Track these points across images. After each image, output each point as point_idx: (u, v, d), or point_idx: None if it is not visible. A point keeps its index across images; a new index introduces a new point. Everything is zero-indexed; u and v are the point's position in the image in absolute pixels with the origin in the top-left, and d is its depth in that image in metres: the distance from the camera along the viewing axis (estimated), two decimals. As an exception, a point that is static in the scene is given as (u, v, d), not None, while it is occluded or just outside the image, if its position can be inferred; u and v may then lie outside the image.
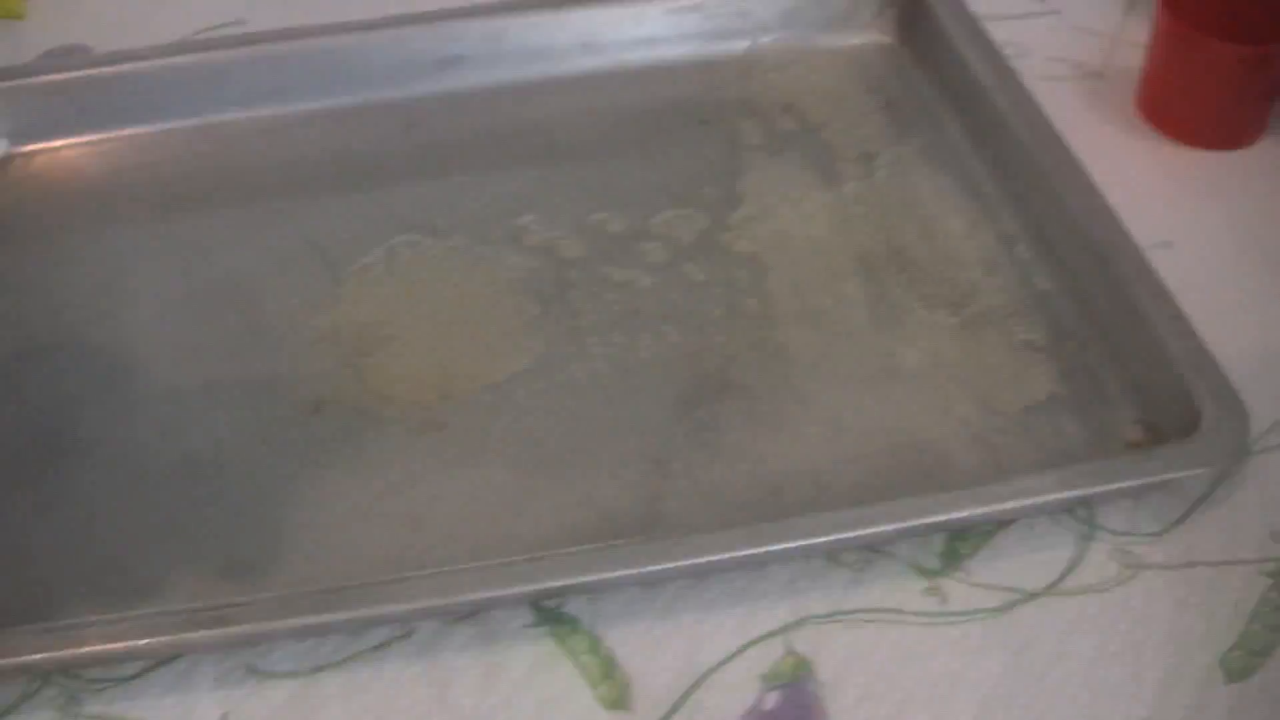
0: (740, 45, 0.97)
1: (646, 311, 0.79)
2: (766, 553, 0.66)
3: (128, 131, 0.92)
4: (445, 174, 0.89)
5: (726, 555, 0.66)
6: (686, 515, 0.70)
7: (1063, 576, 0.68)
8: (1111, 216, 0.79)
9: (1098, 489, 0.68)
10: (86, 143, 0.92)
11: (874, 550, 0.69)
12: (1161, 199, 0.86)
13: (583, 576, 0.66)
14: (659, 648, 0.66)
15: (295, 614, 0.65)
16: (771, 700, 0.64)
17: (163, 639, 0.64)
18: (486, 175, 0.89)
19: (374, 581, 0.66)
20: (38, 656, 0.63)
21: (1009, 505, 0.68)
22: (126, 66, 0.93)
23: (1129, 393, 0.75)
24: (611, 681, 0.65)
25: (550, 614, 0.67)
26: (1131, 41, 0.97)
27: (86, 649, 0.64)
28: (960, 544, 0.69)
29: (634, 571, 0.66)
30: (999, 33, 0.93)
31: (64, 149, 0.92)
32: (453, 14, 0.94)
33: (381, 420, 0.75)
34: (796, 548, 0.67)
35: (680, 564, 0.66)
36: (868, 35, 0.98)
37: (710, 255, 0.83)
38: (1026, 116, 0.86)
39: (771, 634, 0.66)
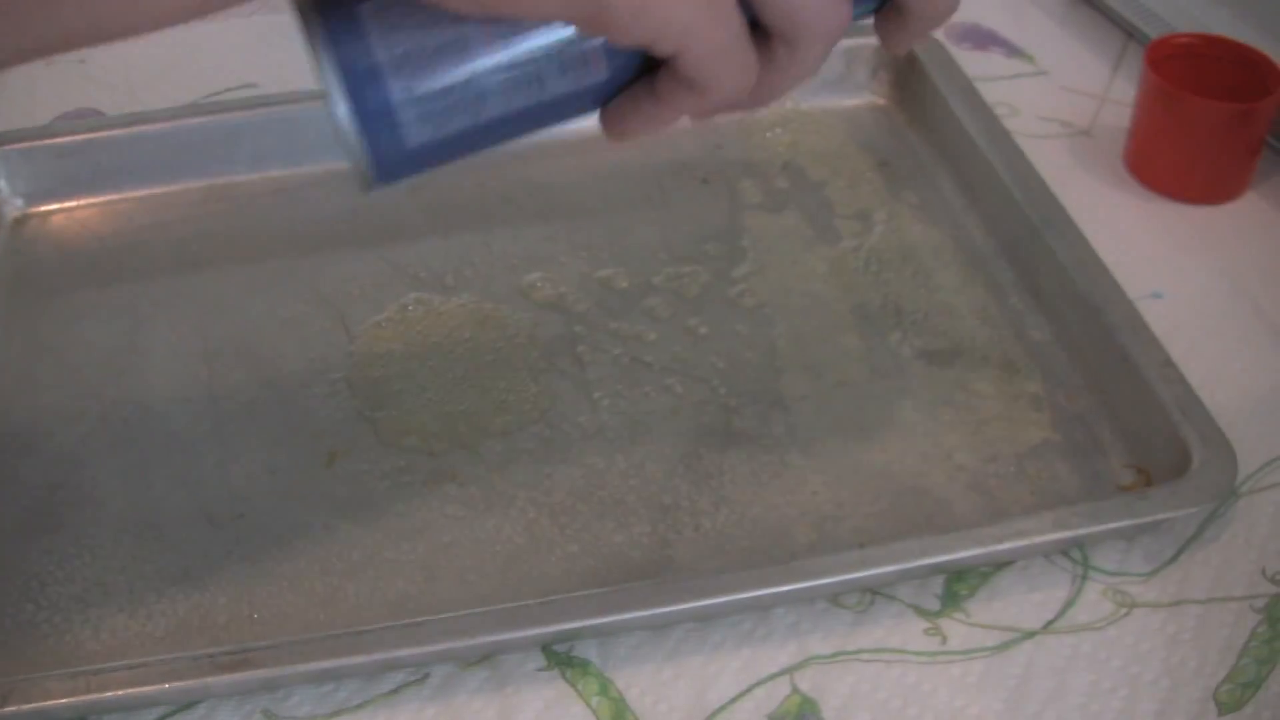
0: (738, 106, 0.98)
1: (652, 364, 0.81)
2: (772, 595, 0.68)
3: (141, 192, 0.95)
4: (452, 233, 0.91)
5: (733, 597, 0.67)
6: (693, 561, 0.72)
7: (1059, 615, 0.69)
8: (1101, 268, 0.81)
9: (1092, 529, 0.70)
10: (100, 203, 0.94)
11: (875, 592, 0.70)
12: (1150, 251, 0.88)
13: (593, 619, 0.67)
14: (668, 689, 0.67)
15: (313, 658, 0.66)
16: (780, 738, 0.65)
17: (184, 683, 0.65)
18: (492, 234, 0.90)
19: (389, 625, 0.67)
20: (61, 701, 0.64)
21: (1006, 546, 0.69)
22: (139, 128, 0.95)
23: (1121, 438, 0.77)
24: (623, 722, 0.66)
25: (561, 657, 0.68)
26: (1118, 100, 1.00)
27: (109, 694, 0.64)
28: (959, 585, 0.71)
29: (643, 614, 0.67)
30: (989, 93, 0.95)
31: (78, 209, 0.94)
32: (457, 77, 0.96)
33: (394, 471, 0.76)
34: (801, 589, 0.68)
35: (688, 606, 0.67)
36: (862, 97, 1.00)
37: (713, 309, 0.85)
38: (1018, 173, 0.88)
39: (777, 674, 0.67)
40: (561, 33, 0.52)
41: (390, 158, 0.53)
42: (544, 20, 0.52)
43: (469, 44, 0.52)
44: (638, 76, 0.55)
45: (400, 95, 0.51)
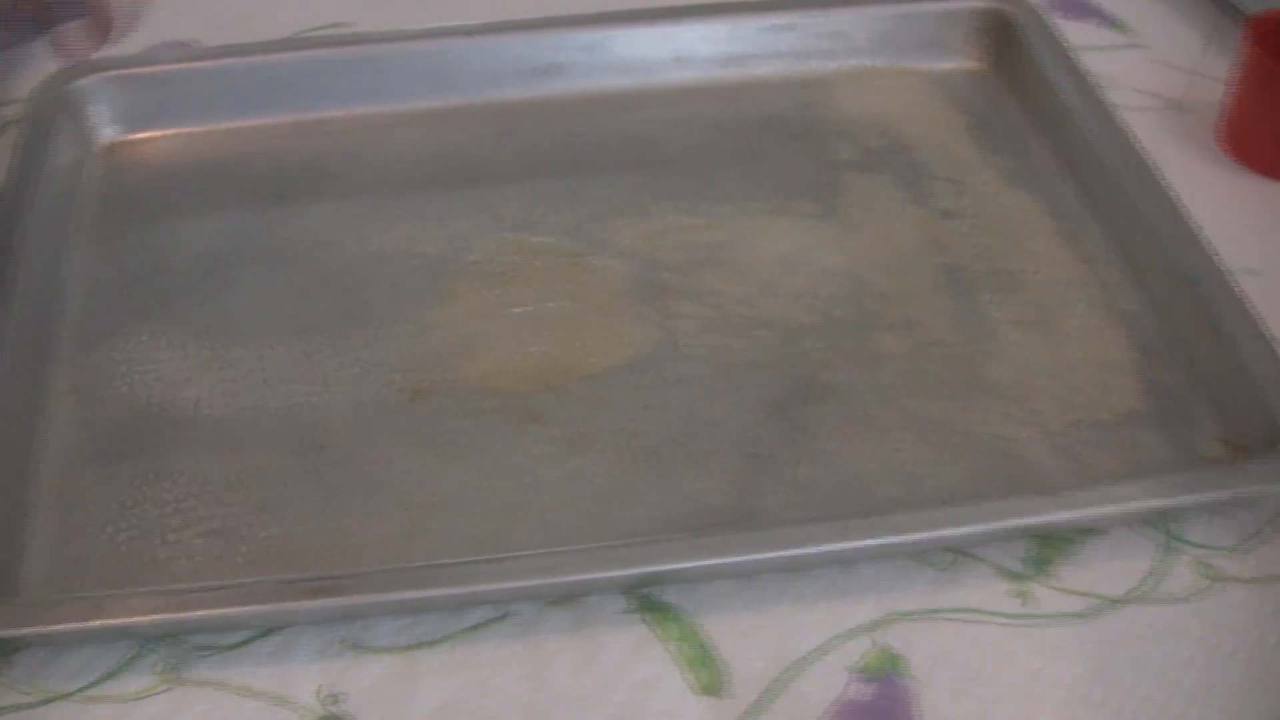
0: (831, 65, 0.98)
1: (740, 317, 0.81)
2: (858, 548, 0.68)
3: (232, 124, 0.95)
4: (541, 178, 0.91)
5: (821, 548, 0.67)
6: (777, 511, 0.71)
7: (1144, 585, 0.69)
8: (1198, 240, 0.80)
9: (1183, 500, 0.69)
10: (192, 133, 0.94)
11: (960, 552, 0.70)
12: (1242, 228, 0.88)
13: (681, 563, 0.67)
14: (751, 637, 0.67)
15: (397, 589, 0.66)
16: (862, 691, 0.65)
17: (269, 607, 0.66)
18: (581, 180, 0.90)
19: (474, 560, 0.68)
20: (148, 619, 0.65)
21: (1096, 511, 0.69)
22: (232, 61, 0.95)
23: (1212, 411, 0.76)
24: (705, 668, 0.66)
25: (645, 601, 0.68)
26: (1213, 76, 0.99)
27: (195, 613, 0.65)
28: (1045, 549, 0.70)
29: (731, 560, 0.67)
30: (1086, 64, 0.94)
31: (170, 138, 0.94)
32: (553, 23, 0.96)
33: (480, 410, 0.76)
34: (889, 544, 0.68)
35: (776, 555, 0.67)
36: (957, 61, 0.99)
37: (803, 265, 0.84)
38: (1115, 142, 0.87)
39: (859, 629, 0.67)
40: None
41: None
42: None
43: None
44: None
45: None
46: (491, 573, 0.66)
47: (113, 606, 0.65)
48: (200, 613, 0.65)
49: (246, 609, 0.66)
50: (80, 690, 0.65)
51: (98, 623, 0.64)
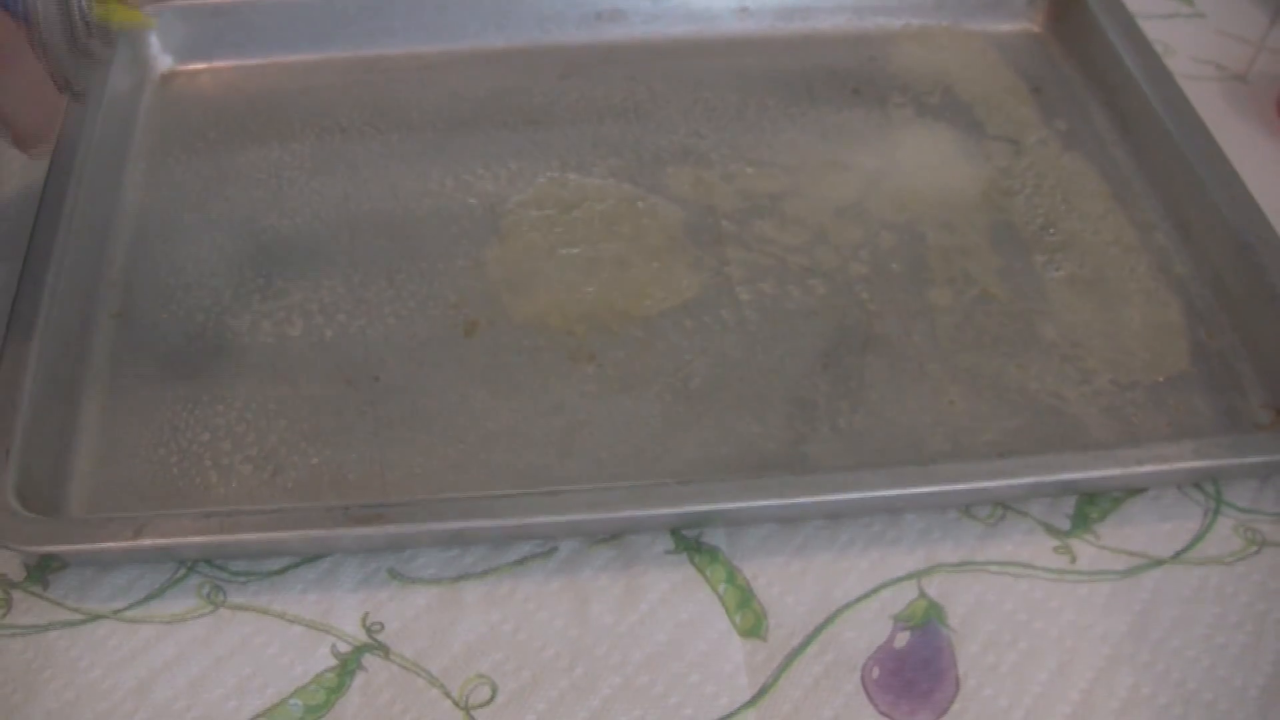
0: (894, 23, 0.98)
1: (795, 266, 0.81)
2: (906, 496, 0.68)
3: (289, 58, 0.95)
4: (600, 121, 0.91)
5: (868, 494, 0.67)
6: (827, 459, 0.71)
7: (1188, 547, 0.69)
8: (1255, 207, 0.80)
9: (1231, 461, 0.69)
10: (249, 66, 0.95)
11: (1007, 506, 0.70)
12: (1299, 199, 0.87)
13: (728, 504, 0.67)
14: (795, 582, 0.67)
15: (445, 518, 0.67)
16: (903, 640, 0.65)
17: (315, 532, 0.66)
18: (641, 125, 0.90)
19: (523, 493, 0.68)
20: (192, 539, 0.65)
21: (1144, 470, 0.69)
22: (292, -6, 0.95)
23: (1262, 377, 0.76)
24: (748, 610, 0.66)
25: (690, 542, 0.68)
26: (1276, 49, 0.98)
27: (240, 536, 0.65)
28: (1090, 508, 0.70)
29: (778, 503, 0.67)
30: (1145, 30, 0.94)
31: (226, 70, 0.94)
32: (618, -33, 0.96)
33: (533, 348, 0.76)
34: (935, 493, 0.68)
35: (823, 499, 0.68)
36: (1017, 23, 0.99)
37: (860, 217, 0.84)
38: (1175, 108, 0.87)
39: (904, 578, 0.68)
40: None
41: None
42: None
43: None
44: None
45: None
46: (540, 506, 0.67)
47: (157, 526, 0.65)
48: (245, 535, 0.65)
49: (292, 533, 0.66)
50: (124, 610, 0.66)
51: (142, 542, 0.64)
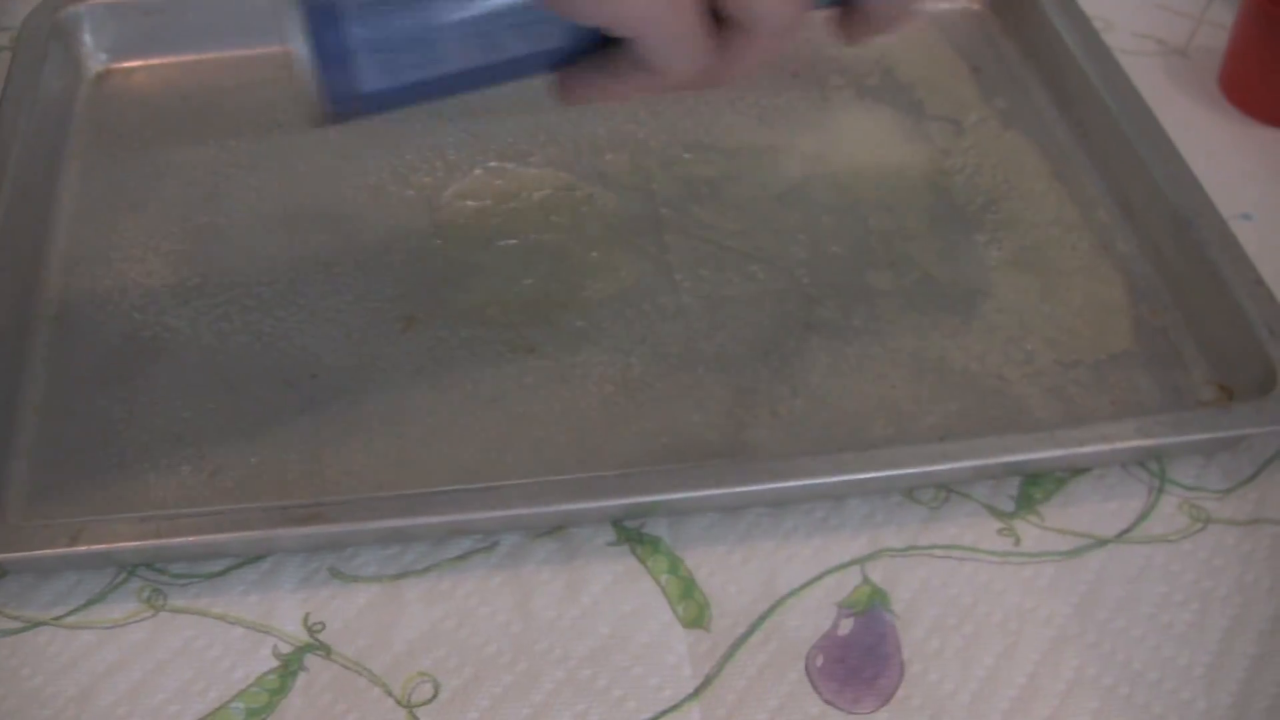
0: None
1: (735, 250, 0.80)
2: (848, 482, 0.68)
3: (224, 53, 0.94)
4: (538, 110, 0.90)
5: (809, 482, 0.67)
6: (768, 446, 0.71)
7: (1133, 526, 0.69)
8: (1195, 183, 0.80)
9: (1173, 439, 0.69)
10: (183, 62, 0.94)
11: (950, 490, 0.70)
12: (1240, 174, 0.87)
13: (668, 494, 0.67)
14: (738, 571, 0.67)
15: (385, 516, 0.66)
16: (847, 626, 0.65)
17: (254, 533, 0.65)
18: (579, 113, 0.90)
19: (462, 488, 0.68)
20: (130, 544, 0.65)
21: (1086, 450, 0.68)
22: (226, -11, 0.94)
23: (1204, 353, 0.76)
24: (690, 601, 0.66)
25: (631, 533, 0.68)
26: (1215, 23, 0.98)
27: (178, 539, 0.65)
28: (1034, 489, 0.70)
29: (719, 492, 0.67)
30: (1084, 6, 0.93)
31: (161, 67, 0.94)
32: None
33: (471, 340, 0.76)
34: (877, 478, 0.68)
35: (764, 487, 0.67)
36: (957, 2, 0.99)
37: (799, 201, 0.84)
38: (1114, 85, 0.87)
39: (849, 564, 0.67)
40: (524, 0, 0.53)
41: (344, 98, 0.54)
42: None
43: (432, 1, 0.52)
44: (595, 47, 0.56)
45: (360, 41, 0.52)
46: (480, 501, 0.66)
47: (95, 531, 0.64)
48: (184, 539, 0.65)
49: (231, 535, 0.65)
50: (64, 616, 0.65)
51: (80, 548, 0.64)
